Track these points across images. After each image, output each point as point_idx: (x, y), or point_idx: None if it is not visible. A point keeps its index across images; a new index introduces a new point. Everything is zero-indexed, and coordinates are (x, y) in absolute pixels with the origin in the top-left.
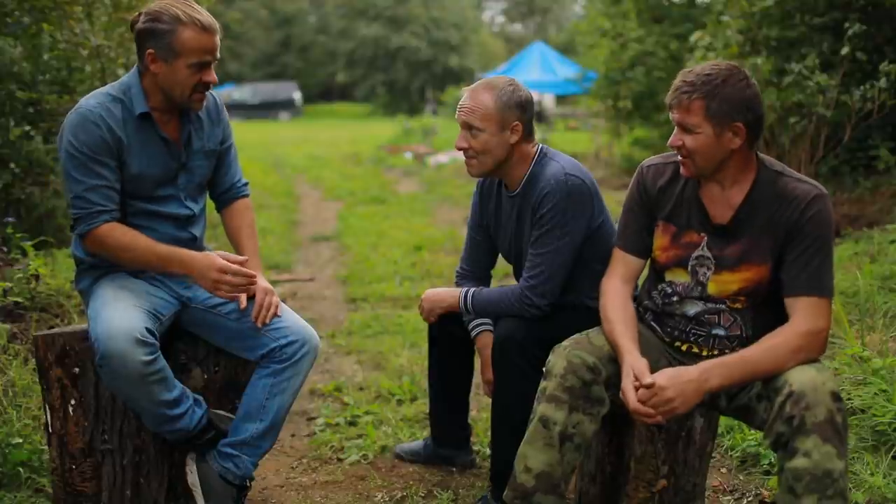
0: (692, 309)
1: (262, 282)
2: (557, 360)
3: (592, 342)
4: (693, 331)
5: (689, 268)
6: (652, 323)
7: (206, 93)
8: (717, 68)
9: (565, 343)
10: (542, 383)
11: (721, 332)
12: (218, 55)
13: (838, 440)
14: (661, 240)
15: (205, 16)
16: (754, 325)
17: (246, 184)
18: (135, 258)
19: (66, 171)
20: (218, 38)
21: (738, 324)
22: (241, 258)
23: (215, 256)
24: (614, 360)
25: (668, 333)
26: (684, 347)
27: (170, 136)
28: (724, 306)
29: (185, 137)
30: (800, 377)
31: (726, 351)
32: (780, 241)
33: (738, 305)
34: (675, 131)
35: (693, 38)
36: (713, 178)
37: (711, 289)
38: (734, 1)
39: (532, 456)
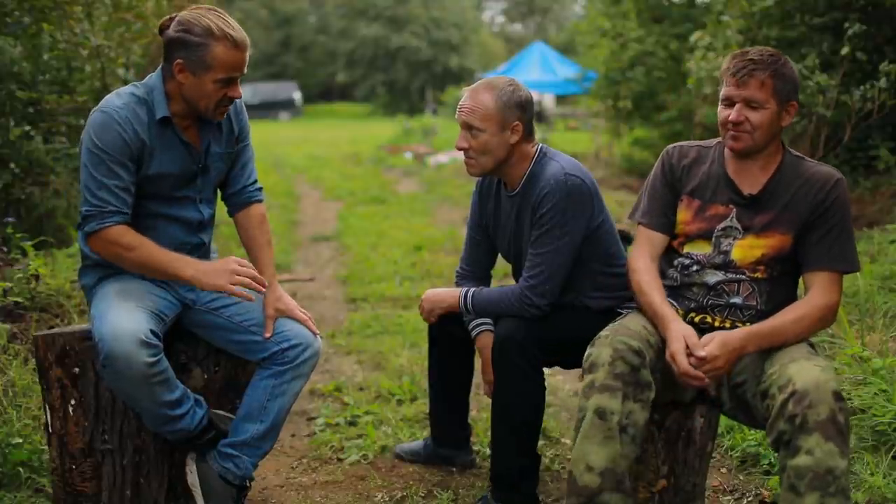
0: (712, 278)
1: (287, 299)
2: (602, 349)
3: (630, 327)
4: (711, 301)
5: (714, 239)
6: (669, 299)
7: (230, 105)
8: (774, 51)
9: (604, 332)
10: (588, 377)
11: (738, 300)
12: (245, 70)
13: (840, 439)
14: (683, 214)
15: (237, 31)
16: (769, 298)
17: (260, 188)
18: (141, 256)
19: (84, 167)
20: (248, 55)
21: (754, 295)
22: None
23: (229, 260)
24: (652, 344)
25: (685, 306)
26: (697, 319)
27: (190, 139)
28: (744, 276)
29: (205, 142)
30: (803, 376)
31: (738, 322)
32: (804, 218)
33: (757, 275)
34: (735, 108)
35: (693, 38)
36: (753, 155)
37: (736, 254)
38: (734, 1)
39: (593, 452)
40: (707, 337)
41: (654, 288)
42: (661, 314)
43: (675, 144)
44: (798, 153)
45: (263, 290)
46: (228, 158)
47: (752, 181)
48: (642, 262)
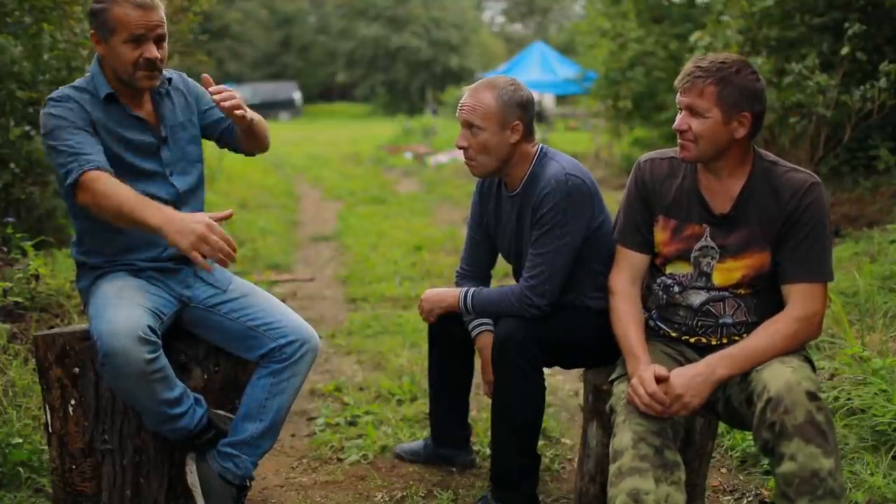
0: (696, 298)
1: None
2: (622, 435)
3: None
4: (700, 322)
5: (692, 259)
6: (658, 323)
7: (155, 71)
8: (730, 58)
9: (619, 414)
10: (613, 465)
11: (728, 320)
12: (161, 31)
13: (822, 439)
14: (661, 235)
15: None
16: (757, 311)
17: None
18: (117, 199)
19: (49, 145)
20: (157, 13)
21: (742, 310)
22: (226, 213)
23: (204, 214)
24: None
25: (676, 329)
26: (692, 340)
27: (141, 114)
28: (727, 293)
29: (160, 113)
30: (775, 381)
31: (734, 338)
32: (778, 228)
33: (741, 292)
34: (681, 115)
35: (693, 38)
36: (710, 168)
37: (717, 279)
38: (734, 1)
39: None
40: (671, 374)
41: (631, 320)
42: (634, 352)
43: (647, 157)
44: (773, 158)
45: (234, 255)
46: (195, 129)
47: (722, 197)
48: (620, 286)
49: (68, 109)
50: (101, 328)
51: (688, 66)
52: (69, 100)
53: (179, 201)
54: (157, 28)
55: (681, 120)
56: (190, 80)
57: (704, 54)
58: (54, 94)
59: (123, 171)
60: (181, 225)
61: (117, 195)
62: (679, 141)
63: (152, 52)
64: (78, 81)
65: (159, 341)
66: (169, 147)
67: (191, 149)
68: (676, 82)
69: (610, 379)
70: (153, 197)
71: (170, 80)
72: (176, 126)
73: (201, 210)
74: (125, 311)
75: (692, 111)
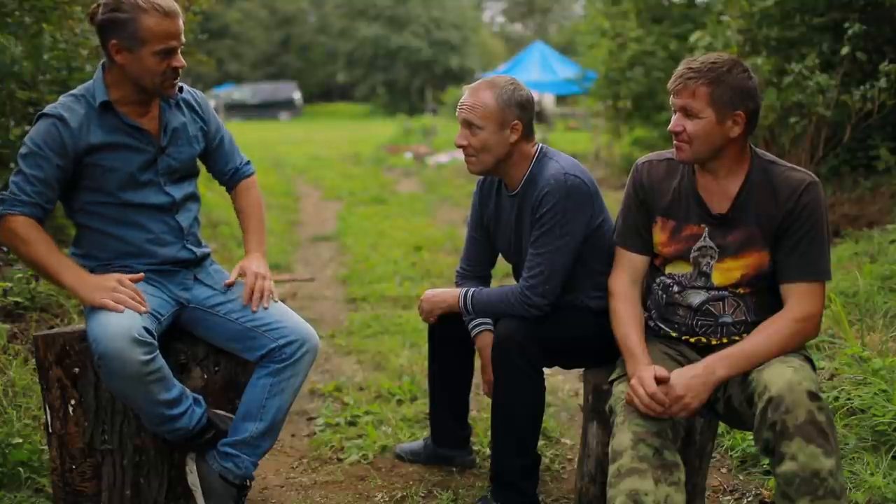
0: (696, 298)
1: (254, 265)
2: (621, 436)
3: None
4: (700, 322)
5: (691, 259)
6: (658, 323)
7: (178, 79)
8: (722, 58)
9: (618, 415)
10: (612, 466)
11: (728, 319)
12: (183, 38)
13: (823, 439)
14: (660, 235)
15: (165, 0)
16: (756, 310)
17: (248, 163)
18: (31, 252)
19: (18, 161)
20: (181, 21)
21: (741, 309)
22: (138, 276)
23: (116, 274)
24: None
25: (676, 329)
26: (693, 340)
27: (144, 124)
28: (726, 293)
29: (163, 123)
30: (776, 380)
31: (734, 338)
32: (776, 227)
33: (740, 291)
34: (675, 116)
35: (693, 38)
36: (708, 168)
37: (716, 278)
38: (734, 1)
39: None
40: (671, 375)
41: (631, 321)
42: (634, 353)
43: (645, 159)
44: (771, 157)
45: (143, 309)
46: (196, 142)
47: (720, 197)
48: (620, 287)
49: (50, 131)
50: (95, 330)
51: (679, 67)
52: (60, 116)
53: (174, 209)
54: (182, 35)
55: (675, 122)
56: (206, 101)
57: (696, 56)
58: (48, 109)
59: (121, 181)
60: (95, 283)
61: (36, 249)
62: (674, 142)
63: (180, 61)
64: (77, 89)
65: (155, 342)
66: (167, 156)
67: (190, 162)
68: (669, 85)
69: (610, 379)
70: (148, 204)
71: (181, 88)
72: (178, 137)
73: (196, 217)
74: (120, 312)
75: (686, 112)
